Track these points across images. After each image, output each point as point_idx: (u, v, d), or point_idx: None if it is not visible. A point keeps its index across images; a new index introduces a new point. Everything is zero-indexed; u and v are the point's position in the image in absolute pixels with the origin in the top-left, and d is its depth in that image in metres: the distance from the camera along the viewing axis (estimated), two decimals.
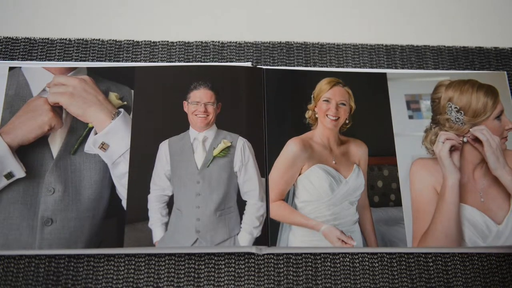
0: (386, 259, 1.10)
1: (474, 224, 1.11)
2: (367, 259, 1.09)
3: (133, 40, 1.26)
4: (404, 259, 1.10)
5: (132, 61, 1.24)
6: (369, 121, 1.18)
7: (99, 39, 1.26)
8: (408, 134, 1.18)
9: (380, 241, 1.11)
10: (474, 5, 1.37)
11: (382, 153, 1.17)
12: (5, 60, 1.22)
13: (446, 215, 1.10)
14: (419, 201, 1.13)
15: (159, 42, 1.27)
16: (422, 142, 1.17)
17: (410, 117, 1.19)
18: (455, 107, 1.15)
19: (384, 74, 1.23)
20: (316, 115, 1.17)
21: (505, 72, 1.24)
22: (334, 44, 1.29)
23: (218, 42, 1.27)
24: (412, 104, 1.20)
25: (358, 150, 1.17)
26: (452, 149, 1.13)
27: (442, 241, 1.09)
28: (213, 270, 1.08)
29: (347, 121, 1.17)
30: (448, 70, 1.26)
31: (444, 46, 1.29)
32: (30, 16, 1.29)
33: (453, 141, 1.13)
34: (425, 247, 1.10)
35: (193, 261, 1.08)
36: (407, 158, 1.16)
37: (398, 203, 1.13)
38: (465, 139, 1.15)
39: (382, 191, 1.15)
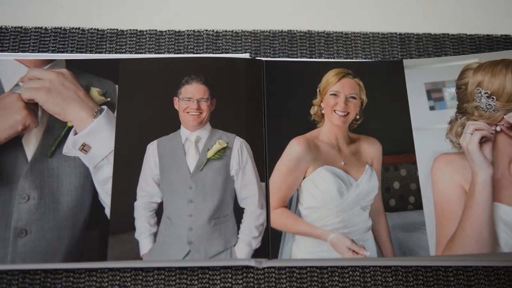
0: (401, 273, 1.09)
1: (511, 225, 1.09)
2: (379, 273, 1.09)
3: (117, 29, 1.27)
4: (421, 272, 1.09)
5: (116, 53, 1.25)
6: (383, 116, 1.19)
7: (79, 28, 1.26)
8: (429, 127, 1.18)
9: (398, 250, 1.11)
10: None
11: (399, 151, 1.17)
12: None
13: (476, 216, 1.08)
14: (443, 202, 1.12)
15: (146, 31, 1.27)
16: (446, 135, 1.16)
17: (432, 108, 1.19)
18: (486, 92, 1.14)
19: (400, 62, 1.23)
20: (323, 111, 1.18)
21: None
22: (342, 33, 1.30)
23: (213, 31, 1.28)
24: (434, 93, 1.20)
25: (371, 149, 1.17)
26: (483, 141, 1.12)
27: (473, 246, 1.07)
28: (207, 285, 1.07)
29: (357, 117, 1.18)
30: None
31: (466, 34, 1.30)
32: (0, 2, 1.30)
33: (483, 131, 1.12)
34: (452, 255, 1.09)
35: (185, 276, 1.08)
36: (428, 155, 1.15)
37: (418, 206, 1.13)
38: (498, 128, 1.13)
39: (399, 193, 1.15)
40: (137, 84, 1.18)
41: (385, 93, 1.20)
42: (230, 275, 1.08)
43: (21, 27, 1.25)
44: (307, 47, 1.27)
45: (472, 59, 1.21)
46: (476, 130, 1.12)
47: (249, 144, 1.14)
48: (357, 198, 1.13)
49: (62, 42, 1.25)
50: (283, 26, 1.30)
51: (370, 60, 1.27)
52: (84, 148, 1.11)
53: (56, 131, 1.13)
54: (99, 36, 1.26)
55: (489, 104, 1.13)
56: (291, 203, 1.13)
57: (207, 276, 1.08)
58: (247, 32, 1.28)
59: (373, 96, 1.19)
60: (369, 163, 1.16)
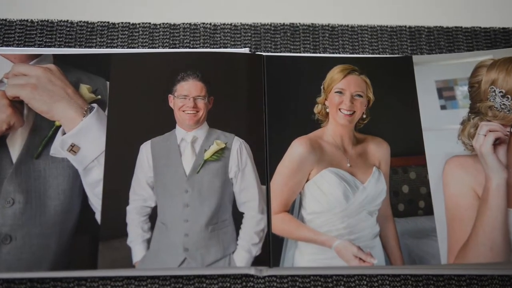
0: (410, 282, 1.09)
1: None
2: (387, 282, 1.09)
3: (108, 22, 1.27)
4: (432, 282, 1.09)
5: (107, 47, 1.25)
6: (391, 115, 1.18)
7: (67, 21, 1.26)
8: (440, 128, 1.17)
9: (407, 257, 1.10)
10: None
11: (408, 152, 1.17)
12: None
13: (490, 223, 1.08)
14: (455, 207, 1.11)
15: (139, 24, 1.27)
16: (459, 136, 1.16)
17: (443, 107, 1.19)
18: (500, 91, 1.13)
19: (410, 58, 1.23)
20: (327, 110, 1.17)
21: None
22: (347, 26, 1.29)
23: (210, 24, 1.28)
24: (445, 91, 1.19)
25: (378, 150, 1.16)
26: (497, 143, 1.11)
27: (487, 255, 1.07)
28: None
29: (364, 116, 1.17)
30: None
31: (480, 27, 1.30)
32: None
33: (497, 132, 1.11)
34: (465, 263, 1.08)
35: (181, 285, 1.07)
36: (439, 157, 1.15)
37: (428, 211, 1.12)
38: None
39: (409, 197, 1.15)
40: (130, 81, 1.17)
41: (394, 91, 1.20)
42: (228, 284, 1.07)
43: (5, 20, 1.25)
44: (311, 41, 1.27)
45: (486, 56, 1.20)
46: (490, 131, 1.12)
47: (248, 144, 1.13)
48: (363, 202, 1.12)
49: (50, 36, 1.24)
50: (285, 19, 1.29)
51: (377, 55, 1.26)
52: (73, 149, 1.10)
53: (43, 131, 1.12)
54: (89, 30, 1.26)
55: (503, 104, 1.13)
56: (294, 208, 1.12)
57: (204, 285, 1.07)
58: (247, 25, 1.28)
59: (380, 94, 1.18)
60: (376, 165, 1.16)
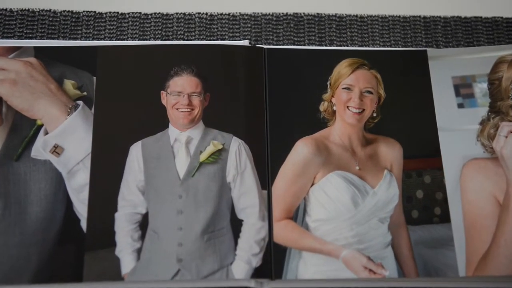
0: None
1: None
2: None
3: (95, 12, 1.27)
4: None
5: (93, 39, 1.25)
6: (404, 113, 1.18)
7: (50, 10, 1.27)
8: (457, 128, 1.17)
9: (422, 269, 1.10)
10: None
11: (423, 154, 1.16)
12: None
13: None
14: (474, 215, 1.11)
15: (128, 14, 1.28)
16: (477, 137, 1.16)
17: (460, 105, 1.19)
18: None
19: (424, 52, 1.23)
20: (334, 108, 1.17)
21: None
22: (356, 16, 1.30)
23: (206, 14, 1.28)
24: (463, 88, 1.19)
25: (390, 151, 1.16)
26: None
27: (509, 267, 1.07)
28: None
29: (374, 114, 1.17)
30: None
31: (501, 17, 1.30)
32: None
33: None
34: (484, 276, 1.07)
35: None
36: (456, 160, 1.15)
37: (445, 218, 1.12)
38: None
39: (423, 203, 1.14)
40: (118, 76, 1.17)
41: (407, 88, 1.20)
42: None
43: None
44: (316, 33, 1.27)
45: (508, 50, 1.21)
46: (511, 132, 1.11)
47: (248, 145, 1.13)
48: (374, 209, 1.12)
49: (31, 27, 1.24)
50: (288, 8, 1.29)
51: (389, 48, 1.27)
52: (56, 150, 1.10)
53: (24, 131, 1.12)
54: (73, 20, 1.26)
55: None
56: (297, 215, 1.12)
57: None
58: (246, 15, 1.28)
59: (392, 90, 1.18)
60: (388, 168, 1.15)
